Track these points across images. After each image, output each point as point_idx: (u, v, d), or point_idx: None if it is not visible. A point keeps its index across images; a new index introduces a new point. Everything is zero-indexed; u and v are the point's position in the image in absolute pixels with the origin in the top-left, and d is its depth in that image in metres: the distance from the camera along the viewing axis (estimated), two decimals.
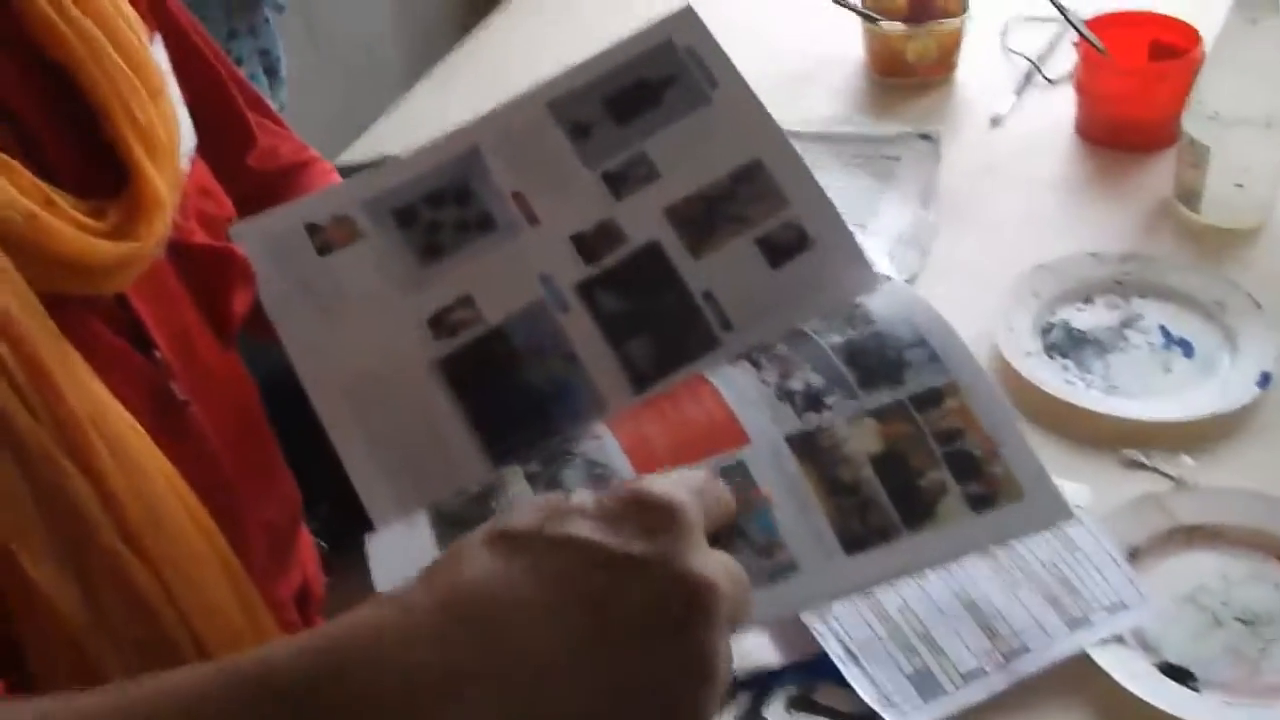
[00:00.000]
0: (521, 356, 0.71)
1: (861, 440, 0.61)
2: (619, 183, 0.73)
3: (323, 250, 0.73)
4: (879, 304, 0.68)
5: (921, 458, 0.60)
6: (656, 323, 0.71)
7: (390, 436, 0.70)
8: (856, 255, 0.70)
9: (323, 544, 0.88)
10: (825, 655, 0.88)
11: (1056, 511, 0.59)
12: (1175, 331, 1.13)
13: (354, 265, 0.73)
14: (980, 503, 0.59)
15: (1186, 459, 1.00)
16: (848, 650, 0.88)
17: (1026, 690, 0.86)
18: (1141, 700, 0.82)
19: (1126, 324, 1.15)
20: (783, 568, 0.58)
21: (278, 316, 0.72)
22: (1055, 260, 1.20)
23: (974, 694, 0.85)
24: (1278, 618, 0.88)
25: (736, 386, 0.65)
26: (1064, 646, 0.87)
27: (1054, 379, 1.10)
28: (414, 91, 1.58)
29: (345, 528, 0.69)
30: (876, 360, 0.64)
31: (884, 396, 0.62)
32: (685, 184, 0.72)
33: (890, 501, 0.59)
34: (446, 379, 0.71)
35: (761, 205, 0.71)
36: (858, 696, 0.86)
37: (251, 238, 0.74)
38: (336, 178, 0.96)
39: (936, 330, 0.64)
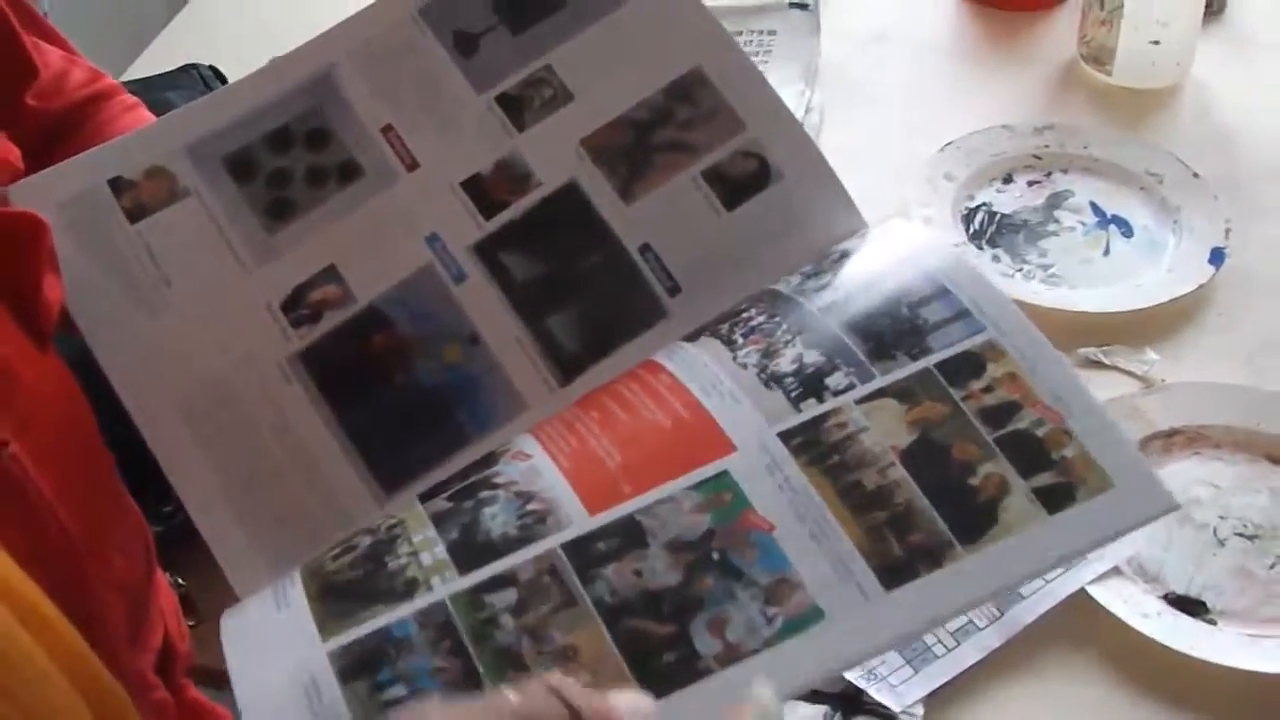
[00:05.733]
0: (407, 344, 0.56)
1: (884, 430, 0.46)
2: (519, 108, 0.58)
3: (135, 215, 0.59)
4: (872, 250, 0.54)
5: (967, 447, 0.46)
6: (581, 290, 0.56)
7: (244, 467, 0.54)
8: (833, 187, 0.56)
9: (180, 582, 0.71)
10: None
11: (1155, 501, 0.45)
12: (1108, 208, 1.03)
13: (176, 233, 0.59)
14: (1055, 499, 0.45)
15: (1151, 353, 0.91)
16: None
17: (1027, 644, 0.75)
18: (1158, 643, 0.73)
19: (1054, 204, 1.05)
20: (801, 616, 0.44)
21: (81, 310, 0.57)
22: (964, 137, 1.09)
23: (968, 655, 0.75)
24: None
25: (705, 373, 0.50)
26: (1060, 586, 0.77)
27: (988, 274, 0.98)
28: None
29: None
30: (887, 322, 0.49)
31: (905, 369, 0.48)
32: (606, 106, 0.57)
33: (935, 510, 0.45)
34: (310, 380, 0.55)
35: (708, 128, 0.57)
36: (836, 675, 0.74)
37: (37, 202, 0.57)
38: (146, 114, 0.77)
39: (958, 275, 0.50)
